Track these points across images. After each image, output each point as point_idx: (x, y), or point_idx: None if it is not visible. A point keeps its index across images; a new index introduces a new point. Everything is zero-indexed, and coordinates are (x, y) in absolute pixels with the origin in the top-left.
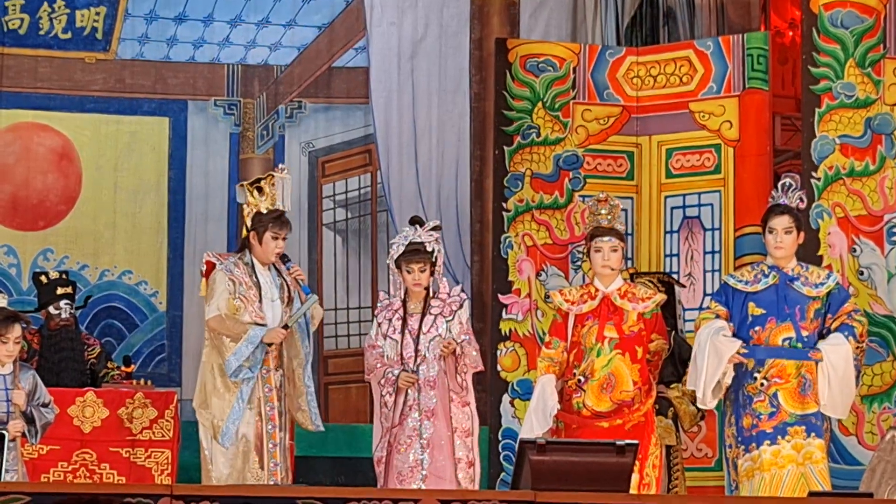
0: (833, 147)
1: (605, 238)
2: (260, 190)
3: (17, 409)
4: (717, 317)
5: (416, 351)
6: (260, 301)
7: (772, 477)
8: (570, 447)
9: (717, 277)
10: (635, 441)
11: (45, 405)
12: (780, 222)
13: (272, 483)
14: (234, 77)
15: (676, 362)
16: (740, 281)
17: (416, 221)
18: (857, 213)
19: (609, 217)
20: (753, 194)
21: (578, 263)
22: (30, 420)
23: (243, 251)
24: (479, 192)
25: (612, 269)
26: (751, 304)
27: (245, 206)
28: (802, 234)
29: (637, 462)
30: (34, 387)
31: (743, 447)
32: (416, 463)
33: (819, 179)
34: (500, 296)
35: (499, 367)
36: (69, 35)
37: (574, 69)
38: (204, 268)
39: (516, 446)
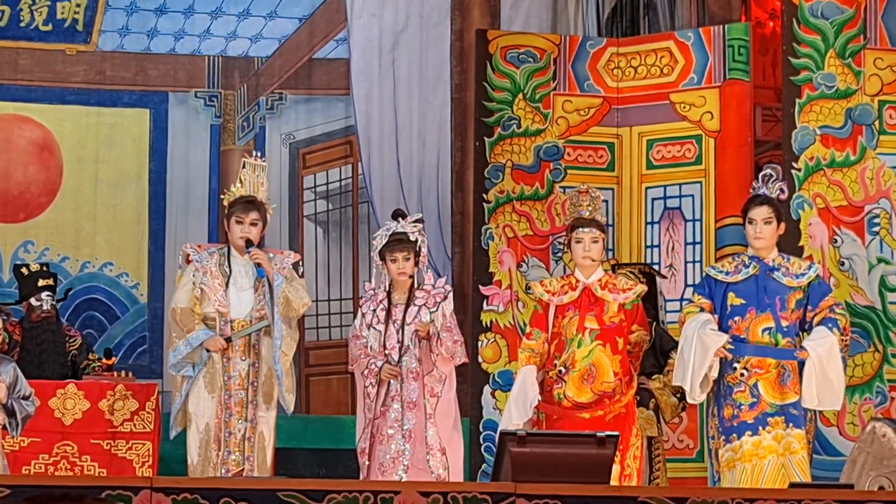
0: (814, 138)
1: (586, 229)
2: (242, 181)
3: None
4: (702, 310)
5: (400, 342)
6: (226, 289)
7: (753, 467)
8: (550, 439)
9: (699, 268)
10: (616, 433)
11: (25, 397)
12: (760, 213)
13: (224, 472)
14: (214, 68)
15: (658, 353)
16: (721, 272)
17: (398, 214)
18: (837, 204)
19: (590, 208)
20: (734, 185)
21: (559, 255)
22: (10, 412)
23: (226, 241)
24: (459, 183)
25: (593, 261)
26: (730, 295)
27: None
28: (783, 224)
29: (618, 453)
30: (15, 379)
31: (724, 437)
32: (397, 454)
33: (800, 170)
34: (480, 287)
35: (480, 359)
36: (50, 27)
37: (554, 60)
38: (180, 260)
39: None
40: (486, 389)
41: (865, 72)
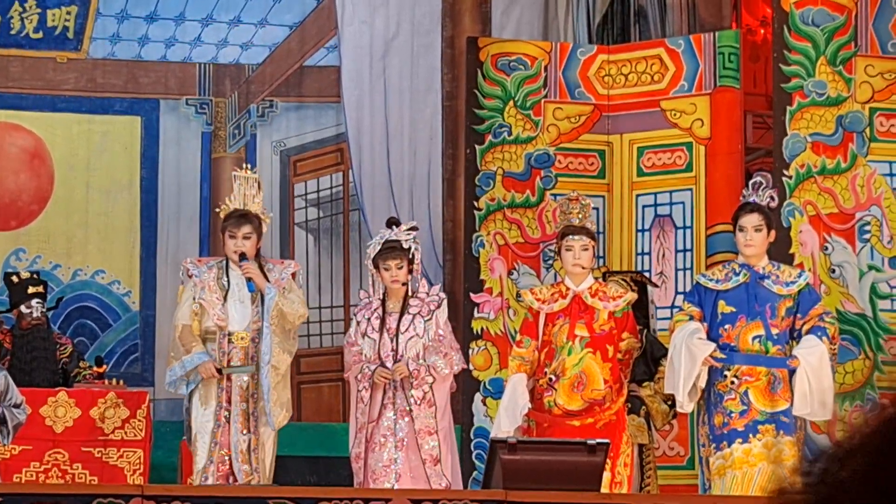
0: (804, 145)
1: (576, 237)
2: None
3: None
4: (691, 318)
5: (394, 350)
6: (224, 301)
7: (743, 475)
8: (541, 446)
9: (689, 276)
10: (606, 440)
11: (16, 405)
12: (750, 220)
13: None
14: (205, 76)
15: (648, 361)
16: (711, 280)
17: (392, 222)
18: (828, 212)
19: (580, 216)
20: (725, 192)
21: (550, 262)
22: (1, 420)
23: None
24: (451, 190)
25: (583, 268)
26: (721, 303)
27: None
28: (773, 232)
29: (609, 461)
30: (6, 387)
31: (714, 445)
32: (389, 462)
33: (790, 178)
34: (471, 294)
35: (471, 366)
36: (40, 34)
37: (545, 68)
38: (182, 275)
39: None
40: (477, 397)
41: (856, 79)
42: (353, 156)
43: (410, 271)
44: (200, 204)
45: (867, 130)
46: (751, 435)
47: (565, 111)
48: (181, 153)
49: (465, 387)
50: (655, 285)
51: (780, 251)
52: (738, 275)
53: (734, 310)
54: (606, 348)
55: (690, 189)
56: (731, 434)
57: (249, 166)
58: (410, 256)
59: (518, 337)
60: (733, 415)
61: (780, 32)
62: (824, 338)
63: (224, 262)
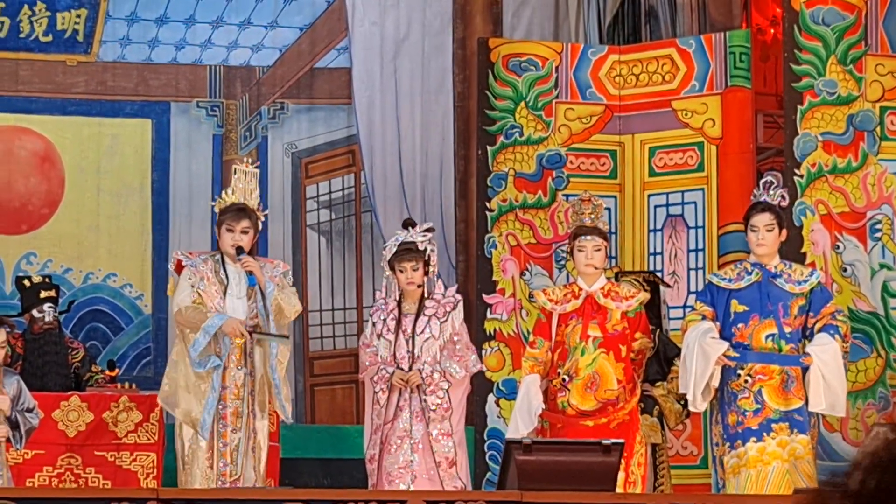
0: (815, 144)
1: (589, 237)
2: (233, 188)
3: (1, 414)
4: (704, 318)
5: (410, 352)
6: (224, 296)
7: (758, 473)
8: (556, 447)
9: (701, 275)
10: (621, 440)
11: (29, 410)
12: (762, 220)
13: (220, 484)
14: (216, 78)
15: (661, 361)
16: (724, 279)
17: (409, 224)
18: (839, 210)
19: (592, 216)
20: (737, 192)
21: (562, 263)
22: (14, 425)
23: (217, 248)
24: (462, 191)
25: (596, 269)
26: (733, 302)
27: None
28: (785, 231)
29: (622, 460)
30: (18, 392)
31: (729, 444)
32: (405, 464)
33: (802, 177)
34: (484, 295)
35: (484, 367)
36: (50, 38)
37: (556, 68)
38: (173, 266)
39: (502, 446)
40: (490, 398)
41: (867, 78)
42: (364, 157)
43: (426, 273)
44: (212, 206)
45: (878, 129)
46: (765, 433)
47: (577, 112)
48: (192, 156)
49: (479, 388)
50: (668, 285)
51: (792, 250)
52: (750, 274)
53: (747, 309)
54: (619, 348)
55: (702, 189)
56: (745, 433)
57: (250, 160)
58: (426, 258)
59: (531, 338)
60: (747, 413)
61: (791, 32)
62: (836, 336)
63: (219, 255)
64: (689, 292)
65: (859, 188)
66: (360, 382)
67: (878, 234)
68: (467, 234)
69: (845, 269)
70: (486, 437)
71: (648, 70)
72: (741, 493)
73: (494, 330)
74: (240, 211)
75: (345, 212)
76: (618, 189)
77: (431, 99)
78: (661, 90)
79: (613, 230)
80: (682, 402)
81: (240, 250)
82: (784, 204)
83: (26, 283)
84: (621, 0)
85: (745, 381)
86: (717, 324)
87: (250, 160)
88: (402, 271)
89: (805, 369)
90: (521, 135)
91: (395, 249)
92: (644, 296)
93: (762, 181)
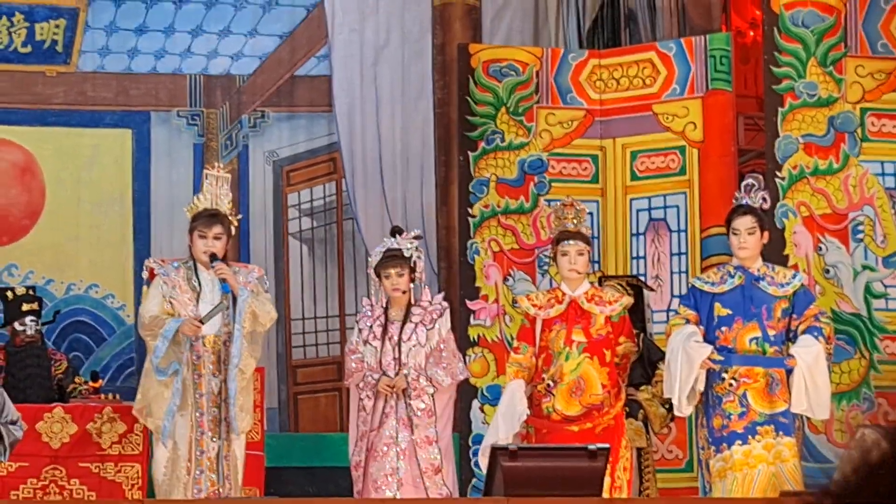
0: (797, 146)
1: (571, 242)
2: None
3: None
4: (687, 321)
5: (396, 359)
6: (197, 304)
7: (743, 477)
8: (541, 453)
9: (685, 279)
10: (606, 445)
11: (13, 422)
12: (743, 223)
13: (196, 492)
14: (196, 87)
15: (645, 365)
16: (707, 282)
17: (396, 231)
18: (821, 212)
19: (575, 221)
20: (719, 195)
21: (545, 268)
22: None
23: (190, 255)
24: (444, 198)
25: (579, 273)
26: (717, 305)
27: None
28: (767, 233)
29: (608, 465)
30: (2, 404)
31: (714, 448)
32: (391, 471)
33: (783, 179)
34: (467, 302)
35: (468, 374)
36: (29, 48)
37: (537, 73)
38: (146, 275)
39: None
40: (475, 404)
41: (847, 79)
42: (345, 165)
43: (412, 280)
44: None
45: (859, 130)
46: (750, 436)
47: (558, 116)
48: (173, 165)
49: (463, 394)
50: (651, 289)
51: (775, 252)
52: (733, 277)
53: (730, 312)
54: (604, 353)
55: (684, 192)
56: (730, 436)
57: (221, 165)
58: (412, 264)
59: (515, 343)
60: (732, 417)
61: (771, 34)
62: (820, 338)
63: (192, 262)
64: (672, 296)
65: (841, 190)
66: (343, 390)
67: (861, 236)
68: (449, 241)
69: (828, 271)
70: (470, 444)
71: (629, 74)
72: (727, 496)
73: (478, 336)
74: (212, 217)
75: (326, 219)
76: (600, 193)
77: (411, 105)
78: (642, 94)
79: (596, 235)
80: (667, 406)
81: (213, 257)
82: (765, 206)
83: (9, 294)
84: (601, 4)
85: (730, 385)
86: (701, 327)
87: (221, 165)
88: (387, 277)
89: (789, 371)
90: (503, 140)
91: (380, 257)
92: (628, 300)
93: (743, 184)
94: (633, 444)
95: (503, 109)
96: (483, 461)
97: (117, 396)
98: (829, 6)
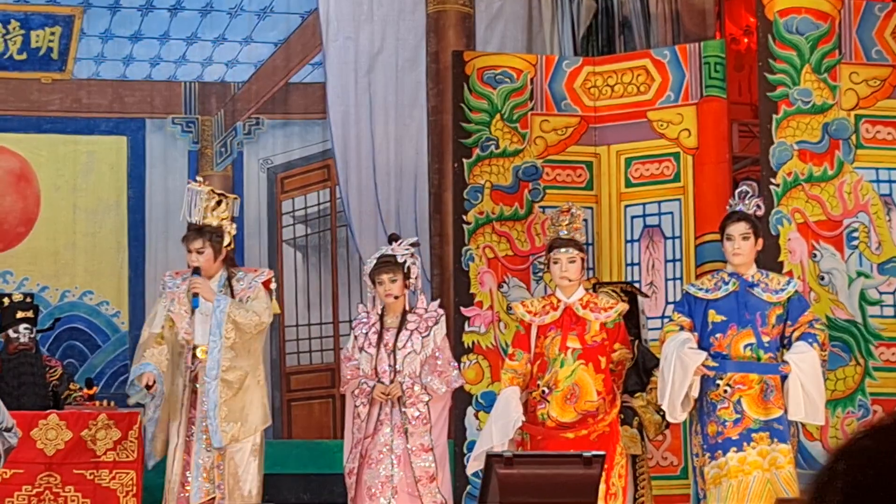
0: (791, 153)
1: (563, 249)
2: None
3: None
4: (682, 328)
5: (392, 366)
6: (192, 315)
7: (738, 483)
8: (537, 460)
9: (679, 286)
10: (602, 452)
11: (7, 430)
12: (737, 229)
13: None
14: (191, 94)
15: (640, 371)
16: (701, 289)
17: (393, 238)
18: (816, 219)
19: (569, 227)
20: (713, 202)
21: (540, 275)
22: None
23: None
24: (438, 205)
25: (571, 280)
26: (711, 312)
27: None
28: (761, 240)
29: (603, 472)
30: None
31: (709, 455)
32: (386, 478)
33: (778, 186)
34: (462, 308)
35: (462, 380)
36: (24, 56)
37: (531, 80)
38: (161, 288)
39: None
40: (470, 411)
41: (841, 86)
42: (339, 172)
43: (407, 286)
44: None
45: (853, 137)
46: (745, 443)
47: (552, 123)
48: (168, 172)
49: (458, 401)
50: (646, 295)
51: (769, 259)
52: (727, 284)
53: (724, 319)
54: (599, 359)
55: (679, 199)
56: (725, 443)
57: (202, 179)
58: (406, 271)
59: (510, 350)
60: (727, 423)
61: (765, 41)
62: (815, 344)
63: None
64: (667, 302)
65: (835, 196)
66: (336, 397)
67: (855, 242)
68: (442, 248)
69: (823, 278)
70: (465, 451)
71: (623, 81)
72: (722, 503)
73: (472, 343)
74: (194, 232)
75: (320, 226)
76: (594, 200)
77: (406, 113)
78: (637, 101)
79: (590, 241)
80: (662, 413)
81: (196, 271)
82: (760, 213)
83: (5, 301)
84: (595, 11)
85: (725, 391)
86: (695, 334)
87: (201, 178)
88: (380, 283)
89: (784, 378)
90: (497, 147)
91: (374, 262)
92: (623, 306)
93: (737, 191)
94: (628, 451)
95: (497, 116)
96: (473, 466)
97: (112, 403)
98: (823, 13)
